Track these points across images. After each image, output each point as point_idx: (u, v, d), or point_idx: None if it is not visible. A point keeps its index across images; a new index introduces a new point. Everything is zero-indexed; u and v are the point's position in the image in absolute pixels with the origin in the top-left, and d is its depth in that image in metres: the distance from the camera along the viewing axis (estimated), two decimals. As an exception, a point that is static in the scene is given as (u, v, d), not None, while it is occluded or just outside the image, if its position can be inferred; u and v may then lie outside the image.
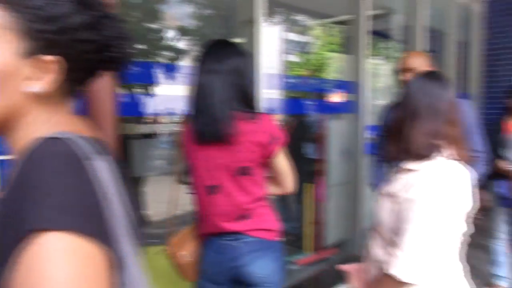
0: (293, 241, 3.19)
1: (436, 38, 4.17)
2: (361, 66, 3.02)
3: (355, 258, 2.77)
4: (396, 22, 3.81)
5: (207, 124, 1.30)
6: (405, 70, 1.95)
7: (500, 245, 2.86)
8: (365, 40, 3.03)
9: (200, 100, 1.33)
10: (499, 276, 2.85)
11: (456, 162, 1.15)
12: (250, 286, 1.36)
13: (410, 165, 1.17)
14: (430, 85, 1.19)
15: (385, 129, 2.12)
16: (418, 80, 1.23)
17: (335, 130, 3.13)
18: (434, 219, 1.06)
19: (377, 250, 1.24)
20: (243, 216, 1.36)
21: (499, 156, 2.73)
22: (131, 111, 1.91)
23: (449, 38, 4.08)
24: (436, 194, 1.08)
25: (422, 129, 1.15)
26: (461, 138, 1.19)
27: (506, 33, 4.33)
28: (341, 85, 3.20)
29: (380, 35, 4.41)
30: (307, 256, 3.12)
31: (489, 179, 2.69)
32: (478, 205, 1.21)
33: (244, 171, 1.33)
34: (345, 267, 1.38)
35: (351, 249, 3.17)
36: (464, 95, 4.25)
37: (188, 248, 1.48)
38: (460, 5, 4.28)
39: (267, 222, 1.40)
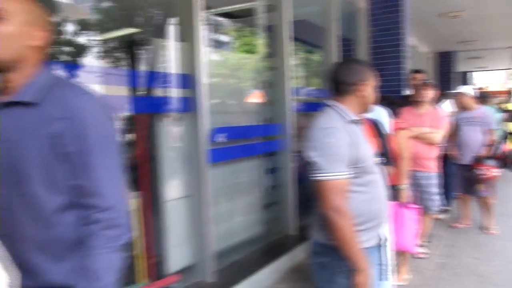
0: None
1: (318, 33, 4.29)
2: (196, 56, 2.65)
3: (203, 285, 2.52)
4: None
5: None
6: None
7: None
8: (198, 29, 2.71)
9: None
10: None
11: None
12: None
13: None
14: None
15: None
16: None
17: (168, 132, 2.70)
18: None
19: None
20: None
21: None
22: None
23: (330, 33, 4.23)
24: None
25: None
26: None
27: (390, 31, 4.56)
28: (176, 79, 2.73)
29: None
30: None
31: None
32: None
33: None
34: None
35: (199, 275, 2.78)
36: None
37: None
38: (344, 1, 4.42)
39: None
